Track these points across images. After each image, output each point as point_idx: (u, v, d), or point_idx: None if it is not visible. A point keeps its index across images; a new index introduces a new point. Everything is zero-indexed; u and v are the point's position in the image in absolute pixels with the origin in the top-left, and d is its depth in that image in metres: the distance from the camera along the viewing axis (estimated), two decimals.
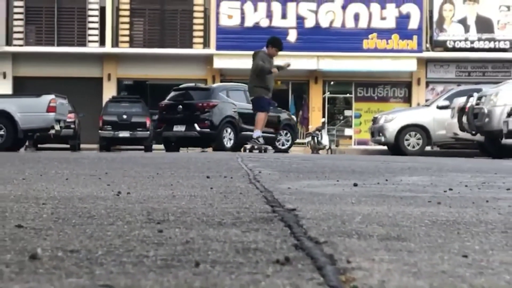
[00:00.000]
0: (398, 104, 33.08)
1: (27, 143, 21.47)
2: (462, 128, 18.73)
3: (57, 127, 18.21)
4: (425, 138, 21.81)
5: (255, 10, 33.41)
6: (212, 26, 33.62)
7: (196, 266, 1.98)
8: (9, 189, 4.43)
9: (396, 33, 33.39)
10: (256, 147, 16.07)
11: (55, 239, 2.44)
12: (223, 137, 20.14)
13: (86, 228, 2.71)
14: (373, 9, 33.48)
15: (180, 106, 20.58)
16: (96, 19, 33.84)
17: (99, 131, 27.84)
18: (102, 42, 33.76)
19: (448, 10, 33.75)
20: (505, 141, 16.30)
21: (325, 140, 27.60)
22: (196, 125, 20.12)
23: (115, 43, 33.93)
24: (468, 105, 18.22)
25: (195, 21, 34.09)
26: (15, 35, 33.88)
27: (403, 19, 33.46)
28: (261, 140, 15.91)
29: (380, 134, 22.40)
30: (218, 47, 33.27)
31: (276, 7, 33.44)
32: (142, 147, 28.30)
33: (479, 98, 17.82)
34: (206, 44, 33.92)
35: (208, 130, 20.09)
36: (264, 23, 33.22)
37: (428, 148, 22.24)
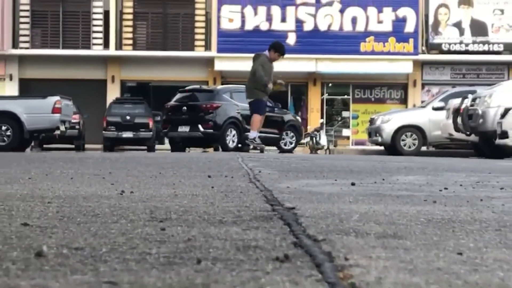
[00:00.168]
0: (395, 106, 33.09)
1: (33, 144, 21.48)
2: (457, 129, 18.73)
3: (62, 128, 18.21)
4: (421, 139, 21.82)
5: (255, 13, 33.41)
6: (214, 29, 33.63)
7: (197, 263, 1.98)
8: (16, 188, 4.43)
9: (392, 36, 33.39)
10: (258, 147, 16.02)
11: (60, 237, 2.44)
12: (227, 137, 20.15)
13: (91, 226, 2.71)
14: (370, 13, 33.48)
15: (185, 108, 20.66)
16: (100, 22, 33.85)
17: (103, 131, 27.85)
18: (106, 45, 33.77)
19: (443, 13, 33.76)
20: (498, 141, 16.30)
21: (323, 140, 27.61)
22: (199, 125, 20.18)
23: (119, 46, 33.94)
24: (463, 106, 18.23)
25: (196, 24, 34.10)
26: (21, 38, 33.89)
27: (399, 22, 33.46)
28: (258, 140, 15.90)
29: (377, 135, 22.40)
30: (219, 50, 33.27)
31: (276, 11, 33.44)
32: (145, 147, 28.31)
33: (474, 100, 17.83)
34: (207, 47, 33.93)
35: (212, 130, 20.13)
36: (264, 26, 33.22)
37: (423, 148, 22.24)
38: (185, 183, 5.01)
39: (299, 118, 24.74)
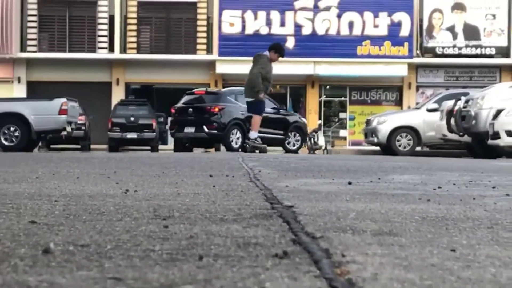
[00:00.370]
0: (390, 107, 33.08)
1: (40, 144, 21.47)
2: (450, 130, 18.73)
3: (68, 129, 18.20)
4: (415, 139, 21.82)
5: (255, 18, 33.40)
6: (215, 33, 33.63)
7: (199, 259, 1.98)
8: (23, 187, 4.43)
9: (388, 40, 33.39)
10: (258, 147, 15.98)
11: (66, 234, 2.44)
12: (231, 138, 20.20)
13: (96, 224, 2.71)
14: (366, 18, 33.48)
15: (191, 109, 20.81)
16: (106, 27, 33.85)
17: (108, 132, 27.85)
18: (111, 49, 33.76)
19: (437, 18, 33.76)
20: (490, 142, 16.31)
21: (321, 141, 27.61)
22: (204, 126, 20.28)
23: (123, 50, 33.94)
24: (456, 108, 18.22)
25: (198, 28, 34.10)
26: (29, 42, 33.89)
27: (394, 27, 33.46)
28: (259, 140, 15.88)
29: (373, 135, 22.40)
30: (221, 53, 33.27)
31: (275, 16, 33.44)
32: (149, 147, 28.31)
33: (467, 102, 17.83)
34: (209, 50, 33.92)
35: (216, 131, 20.21)
36: (264, 30, 33.22)
37: (418, 148, 22.24)
38: (187, 182, 5.01)
39: (304, 120, 24.71)
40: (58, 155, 11.55)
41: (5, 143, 17.39)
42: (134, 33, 34.10)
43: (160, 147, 29.45)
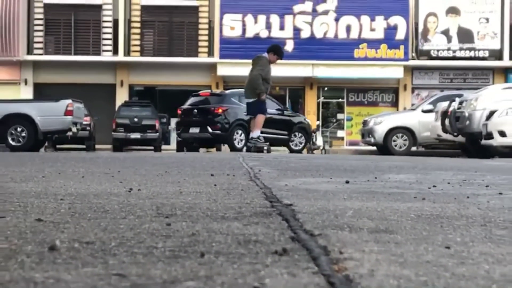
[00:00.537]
0: (386, 108, 33.08)
1: (46, 144, 21.45)
2: (445, 130, 18.73)
3: (74, 129, 18.20)
4: (411, 139, 21.81)
5: (255, 22, 33.40)
6: (216, 36, 33.63)
7: (201, 256, 1.98)
8: (30, 186, 4.43)
9: (384, 43, 33.38)
10: (262, 146, 15.91)
11: (72, 231, 2.44)
12: (234, 138, 20.22)
13: (101, 221, 2.71)
14: (363, 21, 33.47)
15: (196, 110, 20.87)
16: (110, 30, 33.84)
17: (113, 132, 27.85)
18: (115, 51, 33.77)
19: (432, 22, 33.75)
20: (484, 142, 16.31)
21: (319, 141, 27.62)
22: (208, 127, 20.32)
23: (127, 52, 33.94)
24: (451, 109, 18.23)
25: (200, 32, 34.10)
26: (36, 45, 33.90)
27: (391, 30, 33.45)
28: (262, 139, 15.84)
29: (370, 136, 22.40)
30: (222, 56, 33.26)
31: (275, 19, 33.43)
32: (152, 147, 28.31)
33: (461, 103, 17.83)
34: (210, 53, 33.92)
35: (219, 132, 20.24)
36: (264, 34, 33.21)
37: (413, 148, 22.23)
38: (189, 181, 5.01)
39: (309, 121, 24.70)
40: (64, 155, 11.55)
41: (13, 143, 17.39)
42: (138, 36, 34.10)
43: (163, 147, 29.47)
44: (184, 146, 23.16)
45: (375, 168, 7.46)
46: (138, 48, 34.11)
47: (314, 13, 33.53)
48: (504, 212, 3.27)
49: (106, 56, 33.83)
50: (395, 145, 21.80)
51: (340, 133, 34.59)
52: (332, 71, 33.25)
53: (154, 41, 34.41)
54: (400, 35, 33.41)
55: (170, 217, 2.85)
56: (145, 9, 34.11)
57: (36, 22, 33.86)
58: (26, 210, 3.09)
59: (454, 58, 33.52)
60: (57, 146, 26.65)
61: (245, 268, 1.82)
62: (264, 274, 1.76)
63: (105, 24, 33.90)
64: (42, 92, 32.40)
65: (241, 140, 20.19)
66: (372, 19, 33.42)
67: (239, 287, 1.63)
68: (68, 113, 17.66)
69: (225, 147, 23.10)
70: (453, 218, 3.00)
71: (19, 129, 17.44)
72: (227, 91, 22.59)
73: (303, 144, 22.83)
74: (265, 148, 15.95)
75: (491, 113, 16.14)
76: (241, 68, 29.57)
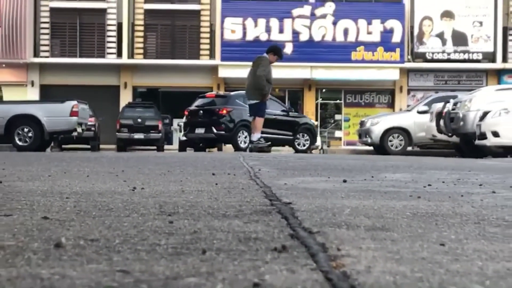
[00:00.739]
0: (383, 109, 33.08)
1: (52, 144, 21.44)
2: (439, 131, 18.73)
3: (79, 130, 18.20)
4: (406, 140, 21.81)
5: (256, 25, 33.41)
6: (217, 39, 33.63)
7: (203, 253, 1.98)
8: (37, 185, 4.43)
9: (381, 46, 33.39)
10: (263, 147, 15.90)
11: (77, 229, 2.43)
12: (238, 138, 20.24)
13: (105, 219, 2.71)
14: (360, 25, 33.48)
15: (201, 112, 20.90)
16: (114, 33, 33.85)
17: (117, 133, 27.85)
18: (119, 54, 33.78)
19: (427, 25, 33.76)
20: (478, 142, 16.30)
21: (317, 141, 27.59)
22: (213, 128, 20.35)
23: (131, 55, 33.94)
24: (445, 110, 18.22)
25: (202, 35, 34.10)
26: (42, 48, 33.91)
27: (387, 33, 33.46)
28: (262, 140, 15.83)
29: (367, 136, 22.39)
30: (223, 59, 33.28)
31: (274, 23, 33.44)
32: (155, 147, 28.31)
33: (455, 104, 17.83)
34: (212, 55, 33.93)
35: (224, 132, 20.27)
36: (264, 37, 33.22)
37: (409, 148, 22.23)
38: (191, 180, 5.01)
39: (314, 122, 24.67)
40: (69, 155, 11.55)
41: (19, 143, 17.39)
42: (141, 39, 34.11)
43: (166, 147, 29.45)
44: (187, 146, 23.17)
45: (372, 167, 7.45)
46: (141, 51, 34.11)
47: (313, 17, 33.54)
48: (497, 210, 3.27)
49: (111, 59, 33.83)
50: (391, 145, 21.79)
51: (337, 134, 34.60)
52: (330, 73, 33.26)
53: (157, 44, 34.42)
54: (396, 38, 33.42)
55: (172, 215, 2.85)
56: (148, 13, 34.12)
57: (42, 25, 33.87)
58: (32, 208, 3.09)
59: (448, 60, 33.53)
60: (63, 146, 26.65)
61: (245, 265, 1.82)
62: (264, 270, 1.76)
63: (109, 28, 33.91)
64: (48, 94, 32.41)
65: (245, 141, 20.21)
66: (369, 23, 33.43)
67: (240, 283, 1.63)
68: (73, 114, 17.66)
69: (226, 147, 23.11)
70: (447, 216, 2.99)
71: (25, 130, 17.44)
72: (232, 93, 22.61)
73: (308, 145, 22.83)
74: (266, 148, 15.95)
75: (485, 114, 16.14)
76: (241, 70, 29.53)
